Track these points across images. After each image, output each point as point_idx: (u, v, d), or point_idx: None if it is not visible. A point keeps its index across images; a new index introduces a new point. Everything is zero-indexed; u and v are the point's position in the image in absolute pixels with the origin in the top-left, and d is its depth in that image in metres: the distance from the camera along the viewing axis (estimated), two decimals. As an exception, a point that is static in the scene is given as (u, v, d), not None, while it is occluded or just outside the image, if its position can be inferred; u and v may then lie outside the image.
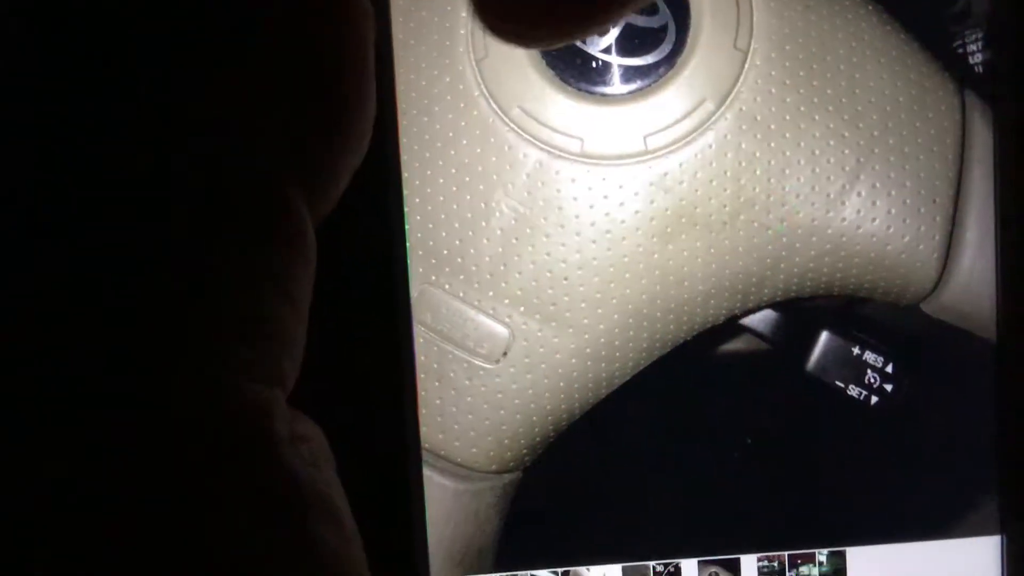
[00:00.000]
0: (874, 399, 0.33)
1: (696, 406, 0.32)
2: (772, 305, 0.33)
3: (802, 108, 0.31)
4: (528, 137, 0.31)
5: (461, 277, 0.31)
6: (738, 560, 0.32)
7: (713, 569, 0.32)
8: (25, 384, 0.16)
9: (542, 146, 0.31)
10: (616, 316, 0.31)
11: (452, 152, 0.31)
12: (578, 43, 0.31)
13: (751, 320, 0.32)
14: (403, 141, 0.30)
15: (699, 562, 0.32)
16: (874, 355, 0.33)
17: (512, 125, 0.31)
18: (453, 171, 0.31)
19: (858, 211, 0.31)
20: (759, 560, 0.32)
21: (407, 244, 0.30)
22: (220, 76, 0.18)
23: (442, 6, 0.31)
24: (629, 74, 0.31)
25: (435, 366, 0.31)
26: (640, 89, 0.31)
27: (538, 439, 0.32)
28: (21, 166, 0.18)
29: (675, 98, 0.31)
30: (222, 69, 0.18)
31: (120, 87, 0.18)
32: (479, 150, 0.31)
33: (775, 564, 0.32)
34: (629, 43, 0.31)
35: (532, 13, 0.15)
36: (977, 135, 0.31)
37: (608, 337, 0.31)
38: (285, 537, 0.16)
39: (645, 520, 0.33)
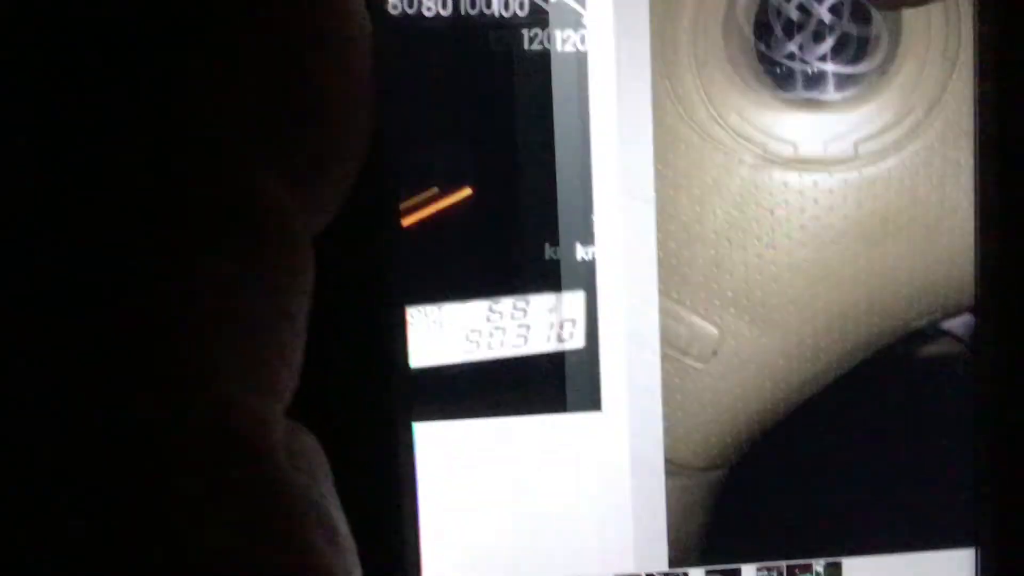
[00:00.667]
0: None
1: (900, 407, 0.33)
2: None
3: (1007, 117, 0.32)
4: (743, 142, 0.31)
5: (676, 279, 0.32)
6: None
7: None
8: (29, 391, 0.16)
9: (757, 150, 0.31)
10: (822, 318, 0.32)
11: (669, 156, 0.31)
12: (796, 50, 0.31)
13: (952, 324, 0.33)
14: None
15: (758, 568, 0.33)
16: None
17: (729, 130, 0.31)
18: (669, 176, 0.31)
19: (1061, 219, 0.32)
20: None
21: (399, 258, 0.30)
22: (218, 91, 0.18)
23: (664, 15, 0.31)
24: (843, 82, 0.32)
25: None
26: (853, 96, 0.32)
27: (743, 437, 0.32)
28: (21, 166, 0.17)
29: (886, 106, 0.32)
30: (218, 84, 0.18)
31: (120, 91, 0.18)
32: (697, 155, 0.31)
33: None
34: (844, 51, 0.32)
35: None
36: None
37: (814, 338, 0.32)
38: (280, 545, 0.16)
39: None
